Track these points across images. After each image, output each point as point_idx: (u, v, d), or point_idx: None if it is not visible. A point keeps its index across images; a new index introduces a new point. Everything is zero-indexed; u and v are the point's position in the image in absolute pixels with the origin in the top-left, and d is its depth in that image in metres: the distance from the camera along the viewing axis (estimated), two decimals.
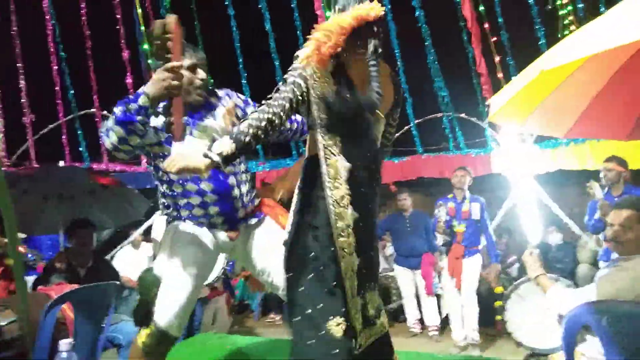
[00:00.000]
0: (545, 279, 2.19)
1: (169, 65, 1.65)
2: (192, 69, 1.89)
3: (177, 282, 1.88)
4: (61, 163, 6.77)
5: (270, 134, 1.53)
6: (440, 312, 4.94)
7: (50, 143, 7.08)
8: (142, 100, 1.68)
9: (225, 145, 1.47)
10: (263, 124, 1.49)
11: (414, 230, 5.01)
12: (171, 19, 1.66)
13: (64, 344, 1.63)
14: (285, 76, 1.58)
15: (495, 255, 4.47)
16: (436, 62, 6.28)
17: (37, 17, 6.90)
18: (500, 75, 5.86)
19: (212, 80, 2.57)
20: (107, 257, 5.56)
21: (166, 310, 1.87)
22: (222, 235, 1.96)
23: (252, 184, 2.10)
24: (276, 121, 1.51)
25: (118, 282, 2.86)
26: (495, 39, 5.88)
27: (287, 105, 1.53)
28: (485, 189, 5.95)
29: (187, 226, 1.94)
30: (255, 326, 5.93)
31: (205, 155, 1.46)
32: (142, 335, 1.91)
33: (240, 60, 6.79)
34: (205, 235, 1.94)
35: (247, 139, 1.48)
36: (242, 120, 1.53)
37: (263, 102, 1.54)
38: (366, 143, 1.65)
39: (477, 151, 6.18)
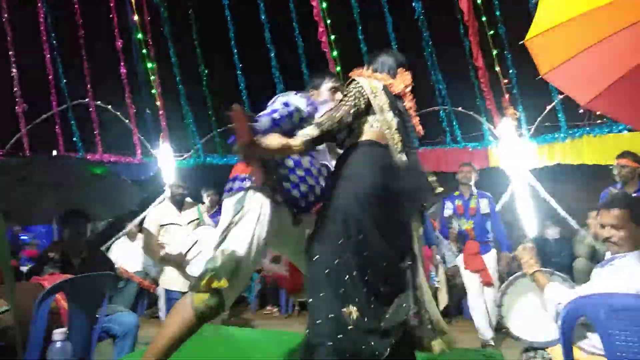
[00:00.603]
0: (541, 275, 2.18)
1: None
2: (333, 90, 2.21)
3: (249, 257, 1.83)
4: (54, 153, 6.71)
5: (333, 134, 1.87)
6: (437, 306, 4.94)
7: (43, 133, 7.01)
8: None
9: (310, 130, 1.79)
10: (336, 121, 1.83)
11: None
12: (237, 113, 1.68)
13: (58, 333, 1.61)
14: (347, 90, 1.94)
15: (507, 245, 4.42)
16: (433, 56, 6.25)
17: (29, 6, 6.80)
18: (497, 68, 5.85)
19: None
20: (103, 248, 5.54)
21: (234, 282, 1.80)
22: (289, 219, 2.01)
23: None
24: (344, 122, 1.86)
25: (113, 273, 2.84)
26: (492, 32, 5.86)
27: (351, 114, 1.88)
28: (482, 183, 5.95)
29: (264, 200, 1.93)
30: (252, 318, 5.92)
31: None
32: (199, 299, 1.78)
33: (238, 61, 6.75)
34: (278, 214, 1.95)
35: (326, 128, 1.80)
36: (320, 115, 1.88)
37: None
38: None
39: (474, 145, 6.18)
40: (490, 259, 4.29)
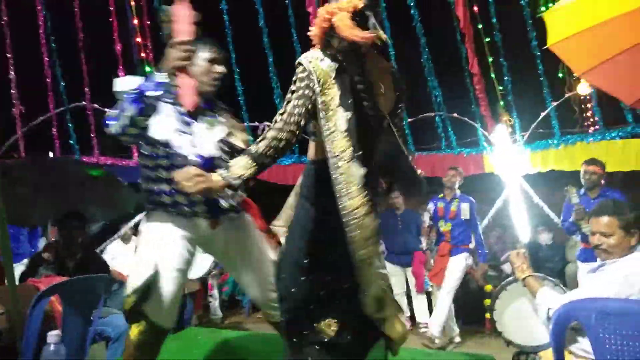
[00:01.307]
0: (533, 280, 2.20)
1: (173, 42, 1.81)
2: (211, 62, 2.04)
3: (160, 277, 1.91)
4: (51, 155, 6.69)
5: (285, 152, 1.55)
6: (430, 310, 4.96)
7: (40, 135, 6.99)
8: (157, 77, 1.82)
9: (246, 168, 1.47)
10: (282, 144, 1.50)
11: (406, 228, 5.03)
12: (177, 5, 1.82)
13: (52, 335, 1.62)
14: (292, 88, 1.57)
15: (484, 254, 4.51)
16: (429, 61, 6.29)
17: (28, 7, 6.80)
18: (492, 75, 5.90)
19: None
20: (97, 250, 5.51)
21: (155, 304, 1.90)
22: (204, 224, 1.99)
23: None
24: (293, 140, 1.52)
25: (107, 275, 2.84)
26: (488, 39, 5.91)
27: (302, 121, 1.53)
28: (477, 188, 5.98)
29: (165, 218, 1.97)
30: (245, 322, 5.91)
31: (224, 178, 1.47)
32: (134, 331, 1.92)
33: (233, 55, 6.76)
34: (183, 226, 1.98)
35: (268, 160, 1.49)
36: (259, 140, 1.52)
37: (276, 119, 1.55)
38: (376, 147, 1.64)
39: (469, 150, 6.21)
40: (456, 261, 4.37)
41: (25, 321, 2.05)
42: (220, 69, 2.06)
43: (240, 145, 2.09)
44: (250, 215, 2.14)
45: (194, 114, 2.01)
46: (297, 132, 1.53)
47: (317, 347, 1.61)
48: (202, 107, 2.05)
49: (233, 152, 2.02)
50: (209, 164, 1.90)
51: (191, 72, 1.93)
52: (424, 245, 4.73)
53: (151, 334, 1.92)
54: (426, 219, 4.51)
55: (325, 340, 1.61)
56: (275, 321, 2.07)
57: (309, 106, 1.54)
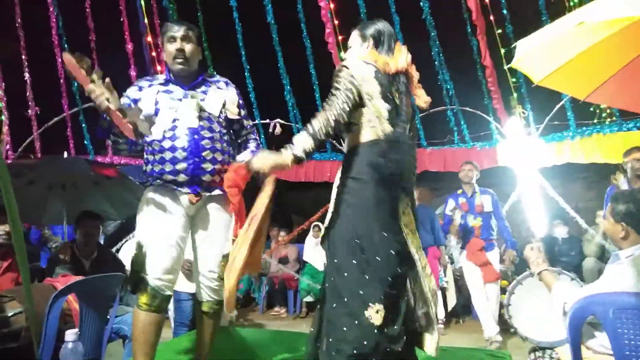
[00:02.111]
0: (549, 274, 2.18)
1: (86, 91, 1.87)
2: (169, 41, 2.13)
3: (155, 244, 2.05)
4: (65, 155, 6.78)
5: (334, 133, 1.76)
6: (445, 306, 4.93)
7: (55, 136, 7.10)
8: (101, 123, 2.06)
9: (307, 143, 1.71)
10: (332, 124, 1.72)
11: (420, 224, 4.97)
12: (65, 59, 1.84)
13: (70, 334, 1.64)
14: (336, 84, 1.79)
15: (512, 242, 4.41)
16: (441, 55, 6.23)
17: (41, 9, 6.89)
18: (505, 67, 5.82)
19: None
20: (113, 249, 5.58)
21: (154, 271, 2.03)
22: (184, 199, 2.09)
23: (230, 159, 2.22)
24: (341, 121, 1.74)
25: (123, 274, 2.87)
26: (500, 31, 5.83)
27: (347, 107, 1.75)
28: (491, 182, 5.91)
29: (156, 194, 2.11)
30: (260, 319, 5.96)
31: (292, 154, 1.71)
32: (140, 299, 2.06)
33: (243, 52, 6.77)
34: (172, 198, 2.11)
35: (322, 138, 1.72)
36: (312, 120, 1.74)
37: (324, 105, 1.77)
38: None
39: (482, 144, 6.15)
40: (493, 257, 4.28)
41: (43, 320, 2.09)
42: (173, 47, 2.11)
43: (234, 116, 2.23)
44: (230, 196, 2.15)
45: (186, 89, 2.16)
46: (343, 116, 1.74)
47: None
48: (194, 82, 2.18)
49: (226, 121, 2.21)
50: (192, 135, 2.06)
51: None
52: (453, 243, 4.55)
53: (154, 298, 2.04)
54: (457, 217, 4.38)
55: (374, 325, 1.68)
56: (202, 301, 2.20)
57: (354, 95, 1.77)
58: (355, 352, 1.64)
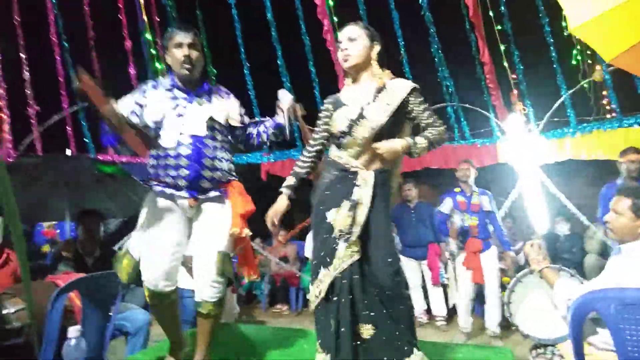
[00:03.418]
0: (550, 271, 2.18)
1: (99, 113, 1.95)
2: (176, 47, 2.14)
3: (152, 246, 2.11)
4: (68, 153, 6.78)
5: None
6: (447, 302, 4.94)
7: (55, 134, 7.08)
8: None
9: (424, 144, 1.99)
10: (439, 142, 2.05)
11: (420, 221, 5.00)
12: (84, 80, 1.89)
13: (73, 330, 1.65)
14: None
15: (507, 243, 4.45)
16: (440, 52, 6.21)
17: (39, 7, 6.87)
18: (505, 64, 5.81)
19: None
20: (115, 247, 5.60)
21: (150, 273, 2.12)
22: (184, 202, 2.14)
23: (231, 166, 2.27)
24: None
25: None
26: (499, 27, 5.81)
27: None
28: (491, 179, 5.92)
29: (156, 200, 2.16)
30: (262, 316, 5.97)
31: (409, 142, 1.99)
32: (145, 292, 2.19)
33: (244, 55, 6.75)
34: (171, 202, 2.16)
35: (434, 146, 2.03)
36: (431, 129, 2.03)
37: (433, 121, 2.05)
38: None
39: (482, 141, 6.14)
40: (491, 255, 4.30)
41: (45, 317, 2.09)
42: (181, 53, 2.12)
43: (237, 124, 2.28)
44: (231, 198, 2.20)
45: (192, 95, 2.19)
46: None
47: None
48: (199, 90, 2.21)
49: (228, 129, 2.26)
50: (196, 143, 2.10)
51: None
52: (452, 247, 4.51)
53: (154, 297, 2.18)
54: (457, 220, 4.40)
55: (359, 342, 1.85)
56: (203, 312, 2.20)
57: None
58: None
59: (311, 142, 2.17)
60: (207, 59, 6.97)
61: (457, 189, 4.47)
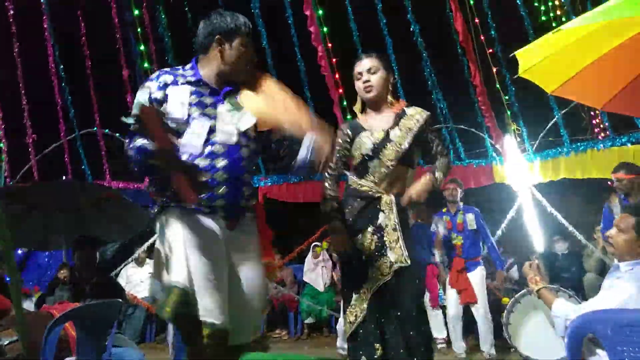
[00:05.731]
0: (547, 292, 2.18)
1: (157, 154, 1.64)
2: (244, 46, 1.83)
3: (202, 285, 1.64)
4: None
5: None
6: (446, 324, 4.88)
7: (53, 162, 7.11)
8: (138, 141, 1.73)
9: (441, 177, 2.19)
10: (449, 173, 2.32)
11: (417, 243, 4.98)
12: (149, 112, 1.65)
13: None
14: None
15: (500, 261, 4.43)
16: (433, 75, 6.31)
17: (37, 37, 6.97)
18: (497, 85, 5.91)
19: None
20: (112, 274, 5.56)
21: (211, 304, 1.63)
22: (221, 224, 1.76)
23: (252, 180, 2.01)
24: None
25: (121, 300, 2.85)
26: (491, 50, 5.93)
27: None
28: (488, 199, 5.94)
29: (185, 221, 1.71)
30: (261, 342, 5.88)
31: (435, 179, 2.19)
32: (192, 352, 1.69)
33: None
34: (206, 225, 1.73)
35: (446, 177, 2.29)
36: (438, 159, 2.26)
37: (444, 150, 2.31)
38: None
39: (478, 162, 6.19)
40: (476, 276, 4.27)
41: (40, 348, 2.07)
42: (252, 52, 1.86)
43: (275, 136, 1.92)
44: (258, 218, 1.93)
45: (220, 95, 1.83)
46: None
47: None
48: (228, 88, 1.84)
49: (263, 138, 1.89)
50: (232, 151, 1.75)
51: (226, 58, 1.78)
52: (437, 257, 4.63)
53: (213, 344, 1.61)
54: (441, 230, 4.43)
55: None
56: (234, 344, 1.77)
57: None
58: None
59: (332, 166, 2.21)
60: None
61: (444, 209, 4.52)
